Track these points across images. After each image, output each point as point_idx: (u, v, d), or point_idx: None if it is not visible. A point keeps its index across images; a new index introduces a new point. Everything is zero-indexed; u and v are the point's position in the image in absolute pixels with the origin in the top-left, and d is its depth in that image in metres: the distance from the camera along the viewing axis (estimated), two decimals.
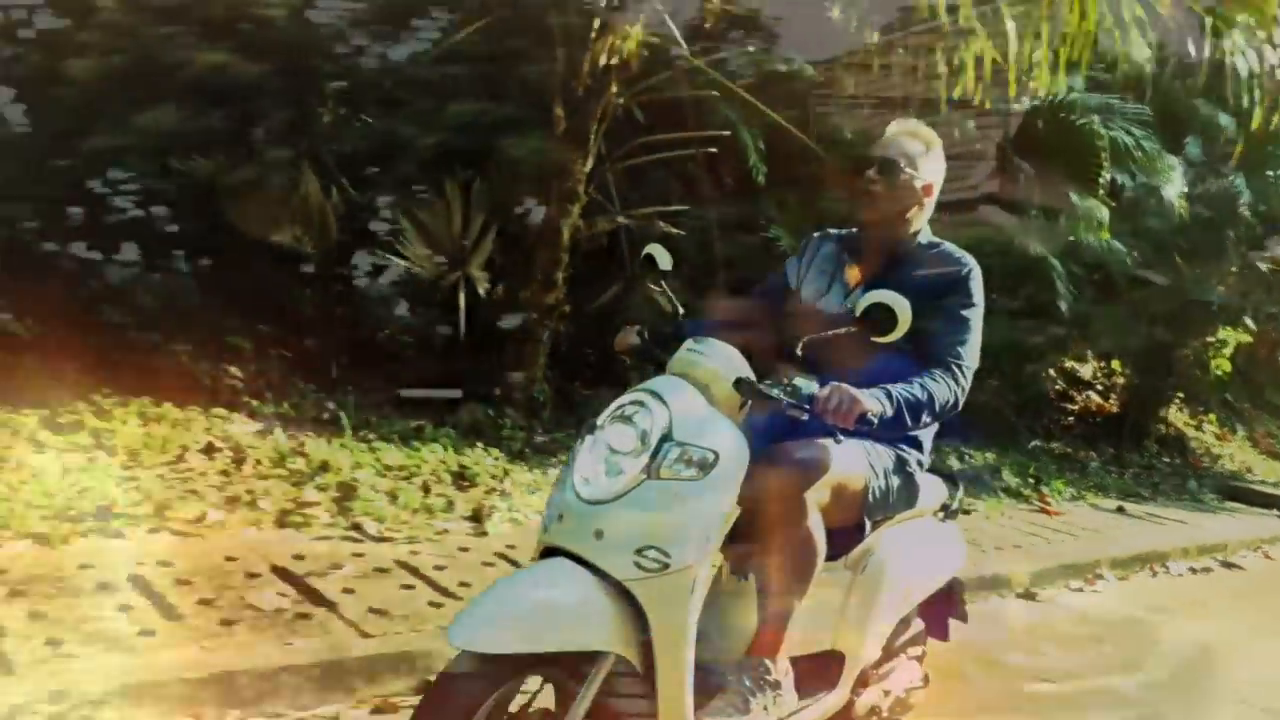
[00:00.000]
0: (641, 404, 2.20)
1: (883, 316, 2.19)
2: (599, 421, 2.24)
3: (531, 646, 1.97)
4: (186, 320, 6.64)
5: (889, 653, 2.76)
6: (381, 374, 6.98)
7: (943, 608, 2.97)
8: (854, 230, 2.81)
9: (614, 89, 6.66)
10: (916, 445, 2.67)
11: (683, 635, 2.10)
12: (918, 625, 2.93)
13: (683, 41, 7.06)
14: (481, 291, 7.00)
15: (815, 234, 2.91)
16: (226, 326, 6.67)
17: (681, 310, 2.62)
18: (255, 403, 5.91)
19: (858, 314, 2.22)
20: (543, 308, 6.83)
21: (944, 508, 2.88)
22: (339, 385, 6.63)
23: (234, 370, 6.28)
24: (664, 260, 2.62)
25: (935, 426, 2.64)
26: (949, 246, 2.70)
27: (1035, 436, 9.92)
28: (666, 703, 2.10)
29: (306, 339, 7.14)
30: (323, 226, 7.03)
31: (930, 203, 2.70)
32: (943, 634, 3.02)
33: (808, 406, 2.21)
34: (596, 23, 6.45)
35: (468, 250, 7.06)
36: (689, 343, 2.34)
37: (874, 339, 2.22)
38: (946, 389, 2.45)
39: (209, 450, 4.96)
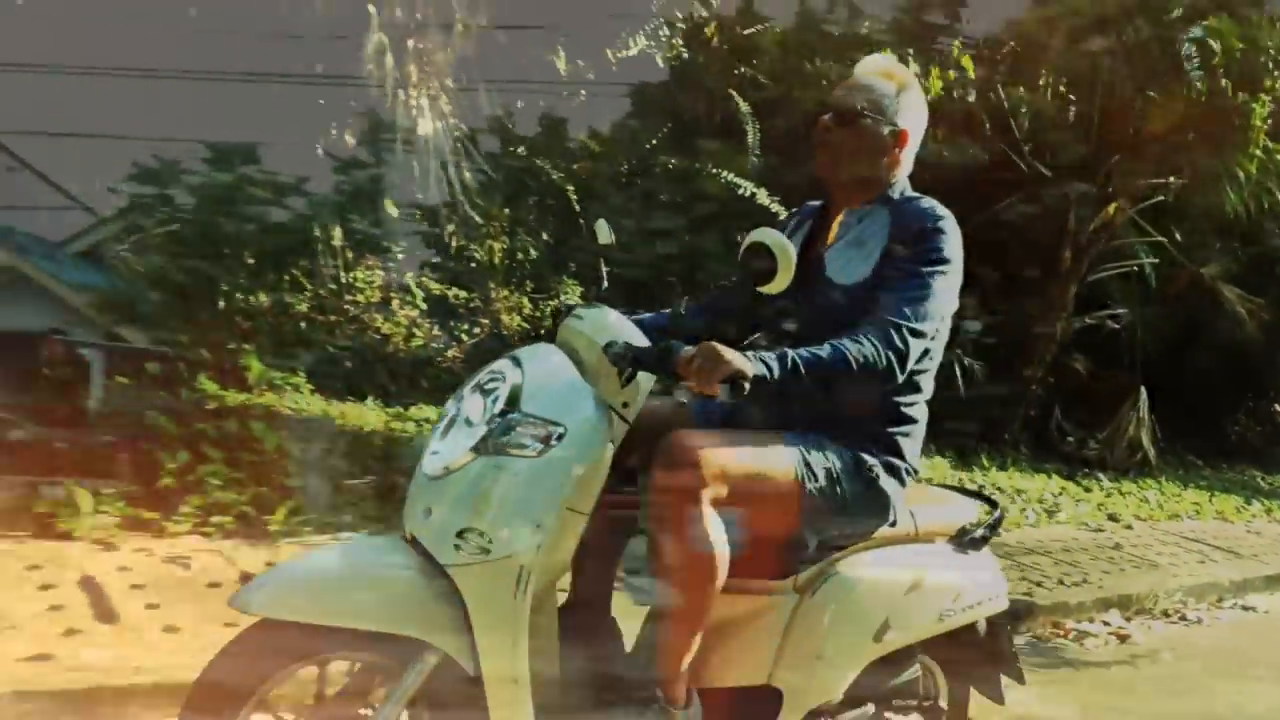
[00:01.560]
0: (500, 373, 1.97)
1: (757, 258, 1.88)
2: (460, 393, 2.03)
3: (332, 618, 1.77)
4: None
5: (860, 698, 2.24)
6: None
7: (986, 659, 2.45)
8: (822, 202, 2.42)
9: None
10: (888, 447, 2.17)
11: (509, 636, 1.82)
12: (913, 671, 2.36)
13: None
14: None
15: (792, 211, 2.55)
16: None
17: (606, 285, 2.22)
18: None
19: (739, 259, 1.92)
20: (1032, 381, 10.00)
21: (962, 531, 2.37)
22: None
23: None
24: (604, 234, 2.30)
25: (921, 427, 2.22)
26: (925, 201, 2.23)
27: None
28: (498, 716, 1.83)
29: None
30: None
31: (908, 152, 2.27)
32: (995, 694, 2.49)
33: (672, 369, 1.86)
34: None
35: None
36: (576, 309, 2.11)
37: (758, 288, 1.91)
38: (870, 348, 1.98)
39: None
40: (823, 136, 2.25)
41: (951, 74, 9.09)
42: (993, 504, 2.51)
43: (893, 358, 2.01)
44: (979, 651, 2.43)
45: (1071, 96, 9.30)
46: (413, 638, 1.83)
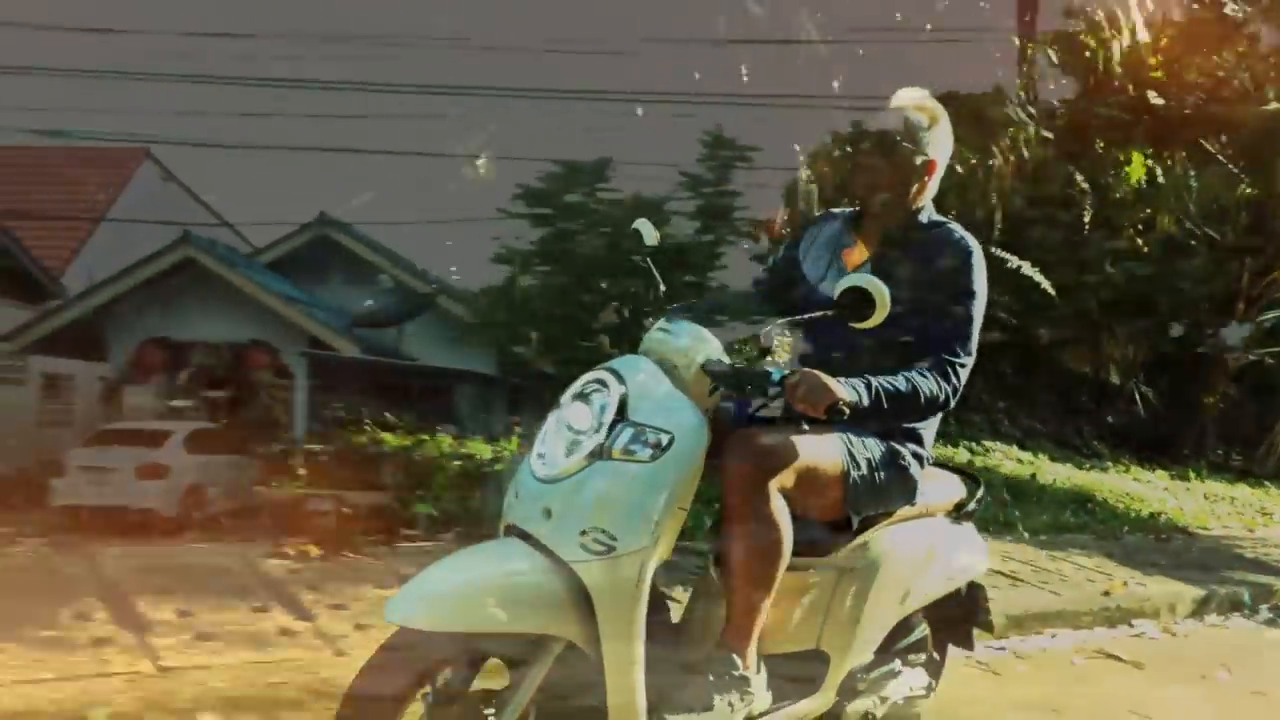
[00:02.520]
0: (601, 382, 2.13)
1: (859, 302, 2.08)
2: (561, 401, 2.18)
3: (472, 625, 1.89)
4: None
5: (884, 657, 2.57)
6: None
7: (962, 615, 2.77)
8: (856, 209, 2.63)
9: None
10: (914, 438, 2.47)
11: (631, 623, 2.00)
12: (921, 630, 2.71)
13: None
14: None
15: (819, 214, 2.76)
16: None
17: (663, 288, 2.49)
18: None
19: (835, 297, 2.12)
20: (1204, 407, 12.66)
21: (958, 507, 2.68)
22: None
23: None
24: (650, 235, 2.52)
25: (937, 420, 2.50)
26: (952, 227, 2.49)
27: None
28: (616, 693, 2.00)
29: None
30: None
31: (934, 180, 2.50)
32: (967, 643, 2.83)
33: (776, 392, 2.12)
34: None
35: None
36: (660, 322, 2.28)
37: (852, 324, 2.11)
38: (935, 385, 2.30)
39: None
40: (861, 159, 2.51)
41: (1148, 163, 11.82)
42: (976, 480, 2.79)
43: (949, 392, 2.35)
44: (959, 609, 2.76)
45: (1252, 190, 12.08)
46: (540, 633, 1.98)
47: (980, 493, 2.75)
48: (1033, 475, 9.59)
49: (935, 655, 2.80)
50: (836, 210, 2.71)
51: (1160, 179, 11.83)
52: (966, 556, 2.72)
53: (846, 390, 2.12)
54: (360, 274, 18.24)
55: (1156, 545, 7.33)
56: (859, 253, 2.52)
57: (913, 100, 2.50)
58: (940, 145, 2.49)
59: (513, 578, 1.98)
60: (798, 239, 2.71)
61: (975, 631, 2.84)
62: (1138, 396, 12.15)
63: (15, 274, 17.92)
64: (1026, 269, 10.88)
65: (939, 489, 2.61)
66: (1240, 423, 13.09)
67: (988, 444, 10.72)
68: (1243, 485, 11.08)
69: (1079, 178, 11.83)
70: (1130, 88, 12.81)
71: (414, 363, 17.24)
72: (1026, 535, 7.00)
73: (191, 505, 13.93)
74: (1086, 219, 11.67)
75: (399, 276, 17.98)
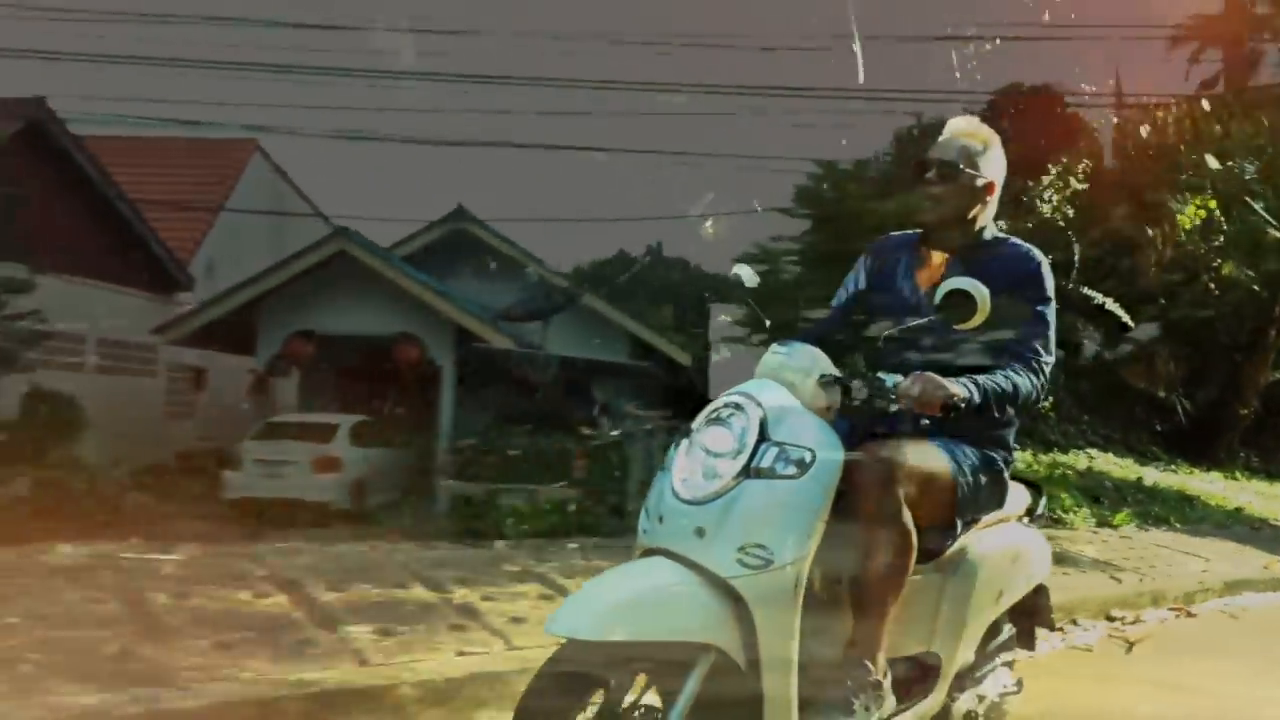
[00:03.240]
0: (736, 406, 2.24)
1: (962, 303, 2.25)
2: (694, 426, 2.30)
3: (634, 634, 1.98)
4: None
5: (982, 657, 2.75)
6: None
7: (1028, 616, 2.92)
8: (918, 232, 2.77)
9: None
10: (1003, 445, 2.64)
11: (789, 631, 2.12)
12: (1009, 630, 2.90)
13: None
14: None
15: (878, 239, 2.89)
16: None
17: (768, 323, 2.86)
18: None
19: (937, 302, 2.30)
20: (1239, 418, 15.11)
21: (1029, 512, 2.87)
22: None
23: None
24: (749, 278, 2.79)
25: (1015, 427, 2.68)
26: (1016, 241, 2.69)
27: None
28: (773, 700, 2.10)
29: None
30: None
31: (993, 200, 2.68)
32: (1029, 643, 2.96)
33: (893, 397, 2.27)
34: None
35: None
36: (774, 346, 2.42)
37: (956, 326, 2.30)
38: (1029, 382, 2.47)
39: None
40: (925, 187, 2.65)
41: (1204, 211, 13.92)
42: (1038, 488, 2.96)
43: (1039, 388, 2.50)
44: (1027, 609, 2.89)
45: None
46: (697, 642, 2.07)
47: (1044, 500, 2.95)
48: (1138, 479, 11.34)
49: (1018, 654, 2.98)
50: (897, 234, 2.86)
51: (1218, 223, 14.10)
52: (1041, 558, 2.90)
53: (959, 388, 2.29)
54: (494, 269, 18.25)
55: (1256, 534, 9.08)
56: (930, 272, 2.68)
57: (967, 129, 2.70)
58: (996, 167, 2.68)
59: (671, 590, 2.08)
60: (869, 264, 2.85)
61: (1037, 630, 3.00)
62: (1180, 408, 14.90)
63: (148, 265, 17.97)
64: (1109, 304, 13.20)
65: (1013, 496, 2.77)
66: (1258, 431, 16.00)
67: (1091, 452, 12.81)
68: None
69: (1148, 228, 14.12)
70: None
71: (602, 360, 17.21)
72: (1179, 526, 9.07)
73: (357, 498, 13.99)
74: (1152, 259, 14.10)
75: (541, 273, 18.03)
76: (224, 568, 4.85)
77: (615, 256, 34.94)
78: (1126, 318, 13.31)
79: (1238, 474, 13.96)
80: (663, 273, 34.42)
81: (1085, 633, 5.09)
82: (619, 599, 2.06)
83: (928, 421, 2.46)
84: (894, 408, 2.30)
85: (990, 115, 14.11)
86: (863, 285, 2.79)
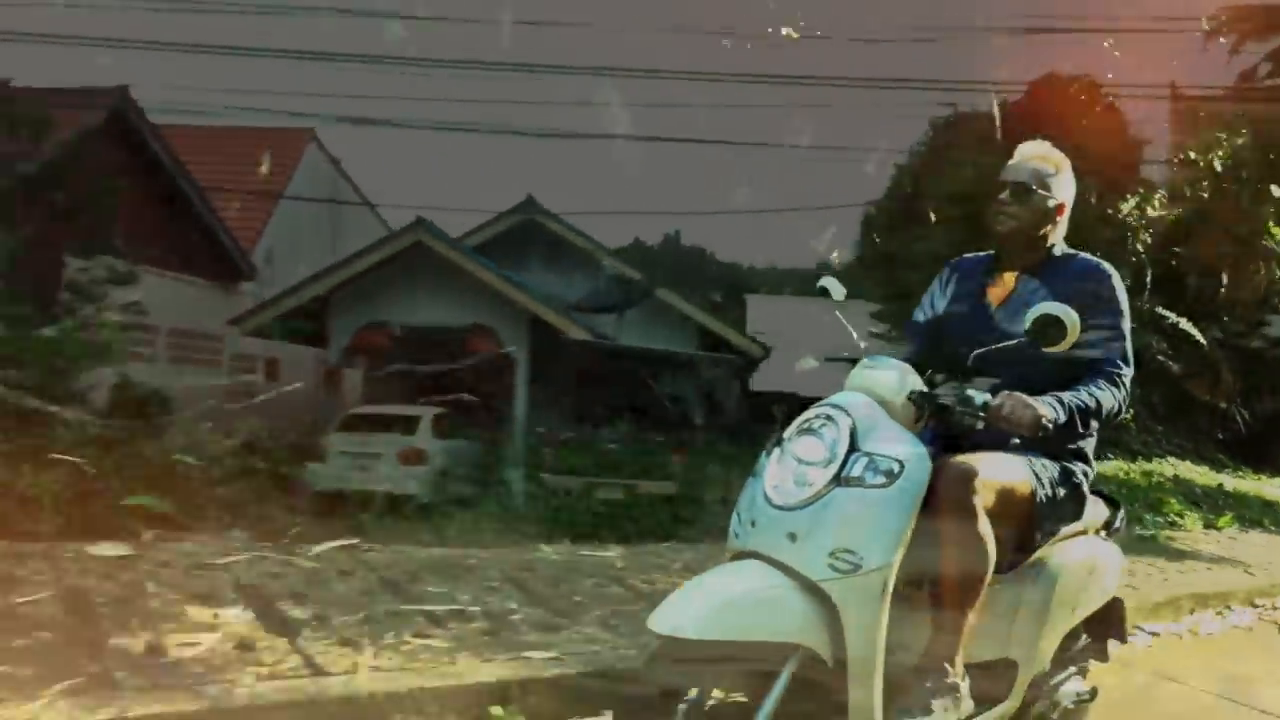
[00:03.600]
0: (827, 417, 2.33)
1: (1054, 327, 2.31)
2: (785, 435, 2.37)
3: (731, 634, 2.08)
4: None
5: (1057, 664, 2.83)
6: None
7: (1103, 628, 2.98)
8: (991, 252, 2.86)
9: None
10: (1082, 458, 2.69)
11: (875, 634, 2.20)
12: (1084, 640, 2.97)
13: None
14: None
15: (952, 260, 2.98)
16: None
17: (856, 335, 2.92)
18: None
19: (1027, 326, 2.36)
20: None
21: (1106, 525, 2.93)
22: None
23: None
24: (837, 292, 2.87)
25: (1095, 440, 2.72)
26: (1087, 256, 2.78)
27: None
28: (858, 700, 2.19)
29: None
30: None
31: (1063, 220, 2.78)
32: (1102, 655, 3.03)
33: (983, 415, 2.34)
34: None
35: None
36: (864, 360, 2.50)
37: (1045, 349, 2.34)
38: (1112, 397, 2.54)
39: None
40: (1000, 207, 2.73)
41: None
42: (1115, 503, 2.98)
43: (1123, 401, 2.57)
44: (1102, 620, 2.94)
45: None
46: (789, 642, 2.16)
47: (1122, 514, 2.98)
48: (1219, 485, 12.15)
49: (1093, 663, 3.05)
50: (970, 255, 2.94)
51: None
52: (1115, 571, 2.96)
53: (1047, 408, 2.37)
54: (563, 260, 18.17)
55: None
56: (1002, 289, 2.78)
57: (1038, 152, 2.79)
58: (1066, 188, 2.77)
59: (766, 592, 2.18)
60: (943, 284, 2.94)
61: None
62: (1240, 417, 15.91)
63: (215, 254, 17.96)
64: (1184, 324, 14.27)
65: (1091, 509, 2.82)
66: None
67: (1173, 460, 13.79)
68: None
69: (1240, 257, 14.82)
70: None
71: (681, 351, 17.09)
72: (1273, 528, 9.83)
73: (439, 490, 13.91)
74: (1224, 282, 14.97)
75: (615, 264, 17.92)
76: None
77: (631, 245, 34.77)
78: (1201, 337, 14.40)
79: None
80: (683, 261, 34.26)
81: (1241, 616, 5.88)
82: (717, 600, 2.15)
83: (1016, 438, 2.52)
84: (980, 425, 2.37)
85: (1027, 105, 14.11)
86: (942, 303, 2.87)
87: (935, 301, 2.89)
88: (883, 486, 2.24)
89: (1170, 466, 13.08)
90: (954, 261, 2.97)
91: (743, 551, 2.32)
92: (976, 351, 2.47)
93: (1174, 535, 8.73)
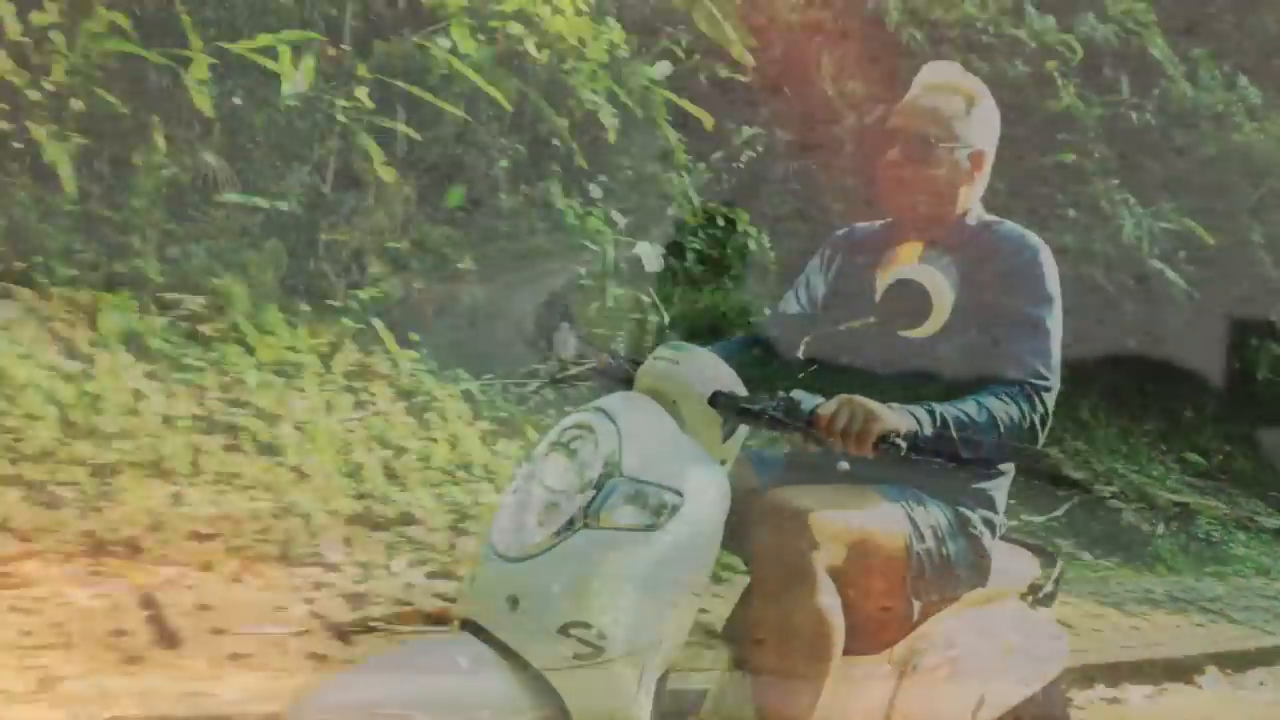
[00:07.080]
0: (585, 426, 1.63)
1: (911, 299, 1.72)
2: (535, 451, 1.70)
3: None
4: None
5: None
6: None
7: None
8: (887, 222, 2.16)
9: None
10: (984, 502, 1.97)
11: None
12: None
13: None
14: None
15: (838, 230, 2.29)
16: None
17: (667, 319, 2.06)
18: None
19: (878, 298, 1.77)
20: None
21: (1033, 589, 2.22)
22: None
23: None
24: (651, 262, 2.16)
25: (1008, 478, 2.01)
26: (1009, 225, 2.04)
27: None
28: None
29: None
30: None
31: (982, 175, 2.05)
32: None
33: (808, 426, 1.62)
34: None
35: None
36: (660, 349, 1.78)
37: (903, 331, 1.75)
38: (1017, 411, 1.80)
39: None
40: (889, 171, 2.01)
41: None
42: (1051, 557, 2.32)
43: (1037, 421, 1.84)
44: (1034, 712, 2.22)
45: None
46: None
47: (1058, 571, 2.29)
48: None
49: None
50: (863, 225, 2.26)
51: None
52: (1047, 651, 2.22)
53: (901, 417, 1.65)
54: None
55: None
56: (896, 267, 2.02)
57: (942, 81, 2.05)
58: (985, 130, 2.04)
59: (451, 689, 1.49)
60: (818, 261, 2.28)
61: None
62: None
63: None
64: None
65: (1011, 566, 2.14)
66: None
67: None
68: None
69: None
70: None
71: None
72: None
73: None
74: None
75: None
76: None
77: None
78: None
79: None
80: None
81: None
82: (372, 699, 1.44)
83: (953, 462, 1.73)
84: (815, 444, 1.65)
85: None
86: (821, 288, 2.18)
87: (811, 284, 2.19)
88: (646, 529, 1.55)
89: None
90: (841, 233, 2.26)
91: (465, 620, 1.61)
92: (808, 337, 1.92)
93: None
